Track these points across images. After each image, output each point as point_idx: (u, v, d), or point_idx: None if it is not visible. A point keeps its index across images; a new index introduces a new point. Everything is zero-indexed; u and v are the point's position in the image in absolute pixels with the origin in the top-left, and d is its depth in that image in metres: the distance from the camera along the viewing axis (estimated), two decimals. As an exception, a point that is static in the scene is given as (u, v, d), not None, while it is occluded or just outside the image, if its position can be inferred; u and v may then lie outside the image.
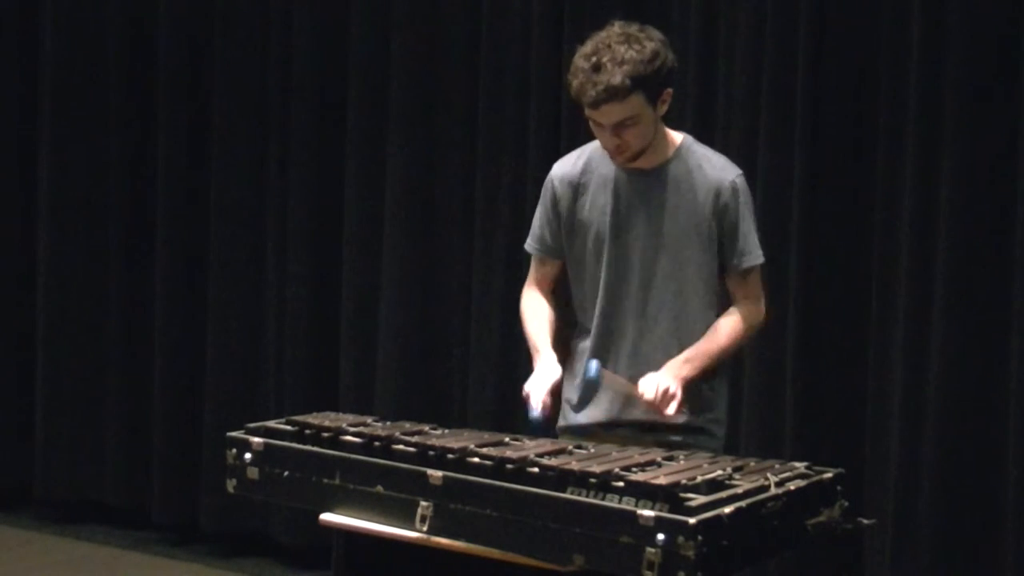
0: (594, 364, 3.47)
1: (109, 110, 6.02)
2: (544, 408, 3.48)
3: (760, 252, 3.61)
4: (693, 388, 3.56)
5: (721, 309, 3.63)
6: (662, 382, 3.44)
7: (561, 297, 3.79)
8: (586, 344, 3.65)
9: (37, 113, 6.16)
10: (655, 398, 3.42)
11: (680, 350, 3.56)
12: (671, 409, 3.44)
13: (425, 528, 3.13)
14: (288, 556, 5.66)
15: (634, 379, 3.53)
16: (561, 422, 3.70)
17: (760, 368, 4.65)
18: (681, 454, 3.40)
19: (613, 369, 3.58)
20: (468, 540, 3.09)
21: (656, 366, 3.54)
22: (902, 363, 4.45)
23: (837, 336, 4.62)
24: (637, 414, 3.57)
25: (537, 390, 3.49)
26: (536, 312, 3.71)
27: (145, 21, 5.91)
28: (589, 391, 3.55)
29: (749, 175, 4.63)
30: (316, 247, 5.60)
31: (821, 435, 4.59)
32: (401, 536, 3.17)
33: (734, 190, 3.56)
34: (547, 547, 2.98)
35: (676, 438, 3.56)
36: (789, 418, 4.61)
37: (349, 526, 3.27)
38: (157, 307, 5.92)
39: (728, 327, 3.58)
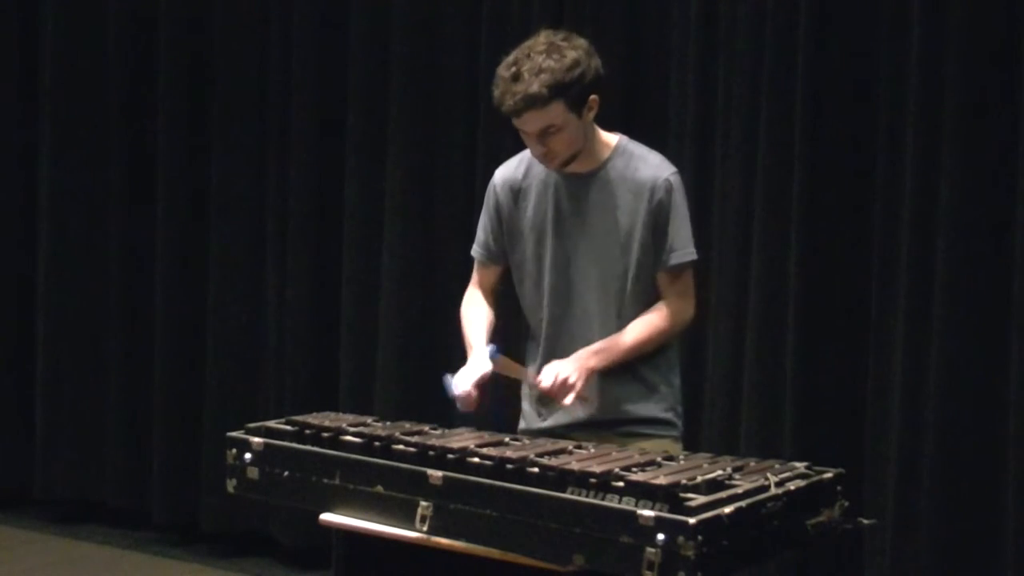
0: (489, 349, 3.54)
1: (109, 110, 6.03)
2: (467, 398, 3.53)
3: (691, 250, 3.60)
4: (645, 382, 3.60)
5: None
6: (562, 372, 3.45)
7: (502, 300, 3.80)
8: (537, 348, 3.69)
9: (37, 113, 6.17)
10: (551, 387, 3.44)
11: None
12: (568, 399, 3.46)
13: (425, 528, 3.13)
14: (288, 556, 5.67)
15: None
16: (521, 424, 3.72)
17: (760, 368, 4.65)
18: (681, 454, 3.41)
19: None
20: (468, 540, 3.09)
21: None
22: (902, 362, 4.45)
23: (837, 336, 4.62)
24: (596, 415, 3.60)
25: (462, 381, 3.54)
26: (473, 313, 3.75)
27: (145, 20, 5.92)
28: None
29: (749, 175, 4.68)
30: (316, 247, 5.61)
31: (821, 435, 4.59)
32: (401, 536, 3.17)
33: (667, 188, 3.56)
34: (547, 547, 2.98)
35: (637, 430, 3.58)
36: (789, 418, 4.61)
37: (349, 526, 3.27)
38: (157, 307, 5.93)
39: (649, 323, 3.57)
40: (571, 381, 3.44)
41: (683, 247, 3.58)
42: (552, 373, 3.46)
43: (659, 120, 4.89)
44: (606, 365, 3.54)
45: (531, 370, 3.60)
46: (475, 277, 3.80)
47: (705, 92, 4.78)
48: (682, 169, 4.69)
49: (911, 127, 4.43)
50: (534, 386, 3.52)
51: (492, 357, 3.53)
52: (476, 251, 3.78)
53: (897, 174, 4.48)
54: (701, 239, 4.70)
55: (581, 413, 3.57)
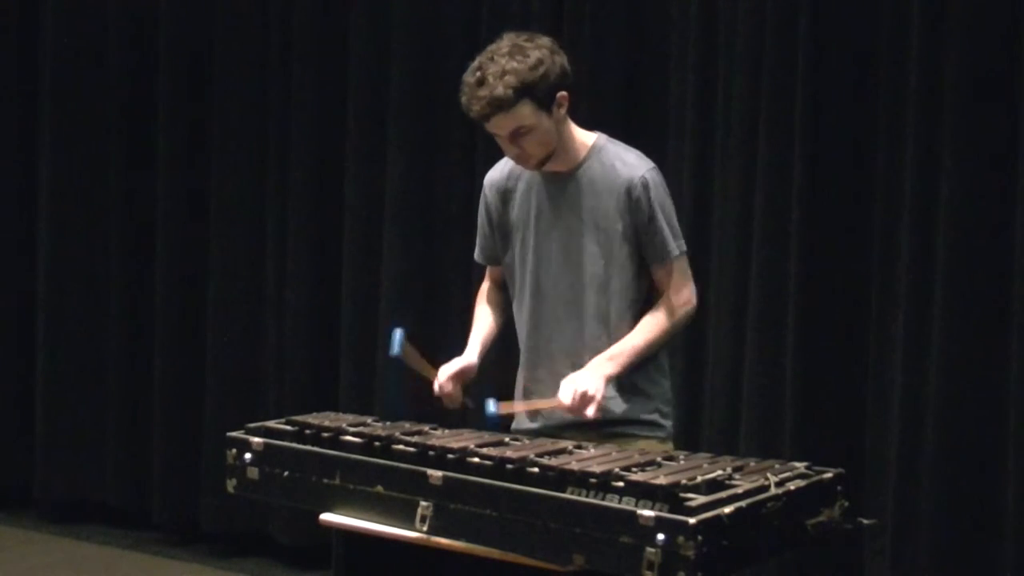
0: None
1: (109, 110, 6.02)
2: (447, 393, 3.58)
3: (681, 242, 3.61)
4: (626, 383, 3.59)
5: (646, 303, 3.63)
6: (580, 385, 3.45)
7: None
8: (521, 351, 3.71)
9: (37, 113, 6.16)
10: (572, 404, 3.45)
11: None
12: (590, 411, 3.46)
13: (425, 528, 3.13)
14: (288, 556, 5.67)
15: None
16: (514, 425, 3.72)
17: (760, 368, 4.65)
18: (681, 454, 3.41)
19: (546, 372, 3.61)
20: (468, 540, 3.09)
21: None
22: (902, 363, 4.45)
23: (837, 336, 4.62)
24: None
25: (444, 370, 3.59)
26: (479, 315, 3.79)
27: (145, 21, 5.92)
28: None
29: (749, 175, 4.67)
30: (316, 247, 5.61)
31: (821, 435, 4.58)
32: (401, 536, 3.17)
33: (644, 185, 3.55)
34: (547, 547, 2.98)
35: (623, 431, 3.57)
36: (789, 418, 4.61)
37: (349, 526, 3.27)
38: (157, 307, 5.93)
39: (656, 321, 3.58)
40: (590, 393, 3.45)
41: (671, 241, 3.58)
42: (570, 389, 3.46)
43: (659, 120, 4.89)
44: (621, 370, 3.54)
45: (540, 401, 3.59)
46: (488, 272, 3.84)
47: (705, 92, 4.77)
48: (682, 169, 4.74)
49: (911, 126, 4.43)
50: (558, 409, 3.49)
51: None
52: (477, 255, 3.81)
53: (897, 173, 4.48)
54: (701, 239, 4.74)
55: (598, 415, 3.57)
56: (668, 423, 3.68)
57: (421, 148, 5.37)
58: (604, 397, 3.48)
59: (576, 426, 3.56)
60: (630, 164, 3.59)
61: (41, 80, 6.14)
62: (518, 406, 3.59)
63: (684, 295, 3.62)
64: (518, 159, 3.56)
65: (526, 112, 3.45)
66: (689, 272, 3.65)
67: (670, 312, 3.60)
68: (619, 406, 3.59)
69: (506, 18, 5.11)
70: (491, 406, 3.48)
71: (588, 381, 3.46)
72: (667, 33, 4.90)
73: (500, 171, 3.72)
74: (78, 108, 6.08)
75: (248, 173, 5.75)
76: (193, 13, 5.82)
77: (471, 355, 3.66)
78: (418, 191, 5.37)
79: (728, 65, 4.73)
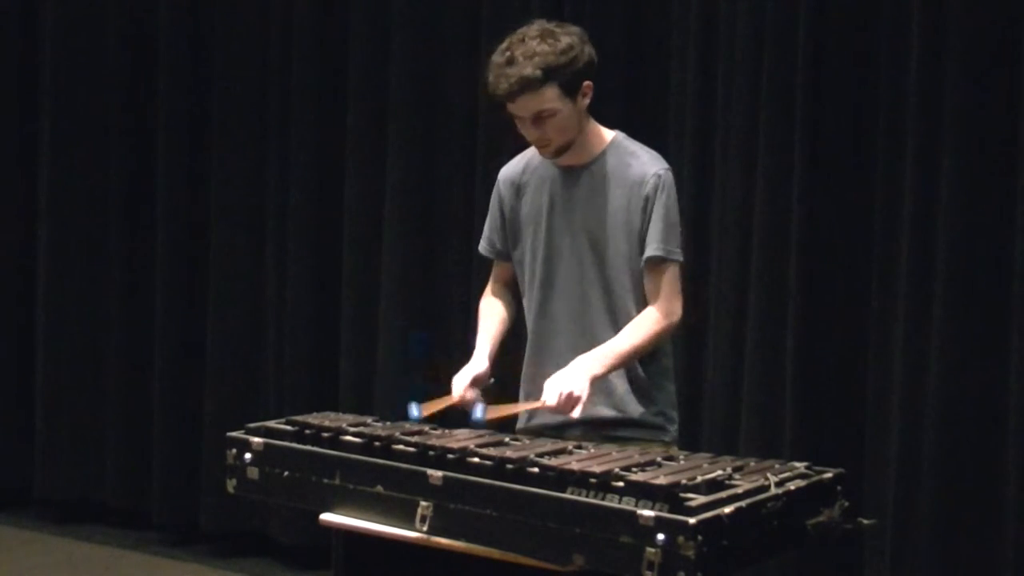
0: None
1: (109, 110, 6.03)
2: (468, 401, 3.53)
3: (671, 249, 3.55)
4: (633, 385, 3.59)
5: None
6: (565, 386, 3.42)
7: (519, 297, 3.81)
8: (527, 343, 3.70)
9: (37, 113, 6.17)
10: (558, 405, 3.42)
11: None
12: (576, 412, 3.43)
13: (425, 528, 3.13)
14: (288, 556, 5.67)
15: None
16: (519, 424, 3.72)
17: (760, 368, 4.65)
18: (681, 454, 3.41)
19: (552, 366, 3.56)
20: (468, 540, 3.09)
21: None
22: (902, 363, 4.45)
23: (837, 336, 4.62)
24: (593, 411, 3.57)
25: (458, 381, 3.56)
26: (484, 314, 3.77)
27: (145, 21, 5.92)
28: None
29: (749, 175, 4.68)
30: (316, 247, 5.61)
31: (821, 435, 4.59)
32: (401, 536, 3.17)
33: (656, 184, 3.55)
34: (547, 547, 2.97)
35: (627, 434, 3.57)
36: (789, 418, 4.61)
37: (349, 526, 3.26)
38: (157, 307, 5.93)
39: (642, 327, 3.54)
40: (576, 394, 3.42)
41: (661, 243, 3.54)
42: (556, 389, 3.43)
43: (659, 120, 4.89)
44: (606, 371, 3.52)
45: (524, 403, 3.59)
46: (493, 271, 3.83)
47: (705, 92, 4.78)
48: (682, 169, 4.74)
49: (911, 126, 4.43)
50: (541, 409, 3.49)
51: (478, 416, 3.48)
52: (482, 246, 3.80)
53: (897, 174, 4.48)
54: (701, 239, 4.75)
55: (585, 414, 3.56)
56: (672, 427, 3.67)
57: (421, 148, 5.37)
58: (589, 396, 3.45)
59: (578, 426, 3.57)
60: (645, 161, 3.60)
61: (41, 81, 6.14)
62: (504, 410, 3.55)
63: (673, 306, 3.57)
64: (537, 143, 3.56)
65: (551, 95, 3.47)
66: (679, 285, 3.59)
67: (657, 320, 3.55)
68: (636, 409, 3.59)
69: (506, 18, 5.10)
70: (478, 412, 3.47)
71: (573, 382, 3.44)
72: (667, 33, 4.91)
73: (515, 166, 3.73)
74: (78, 108, 6.08)
75: (248, 173, 5.76)
76: (193, 13, 5.83)
77: (481, 360, 3.63)
78: (418, 191, 5.37)
79: (728, 65, 4.73)
